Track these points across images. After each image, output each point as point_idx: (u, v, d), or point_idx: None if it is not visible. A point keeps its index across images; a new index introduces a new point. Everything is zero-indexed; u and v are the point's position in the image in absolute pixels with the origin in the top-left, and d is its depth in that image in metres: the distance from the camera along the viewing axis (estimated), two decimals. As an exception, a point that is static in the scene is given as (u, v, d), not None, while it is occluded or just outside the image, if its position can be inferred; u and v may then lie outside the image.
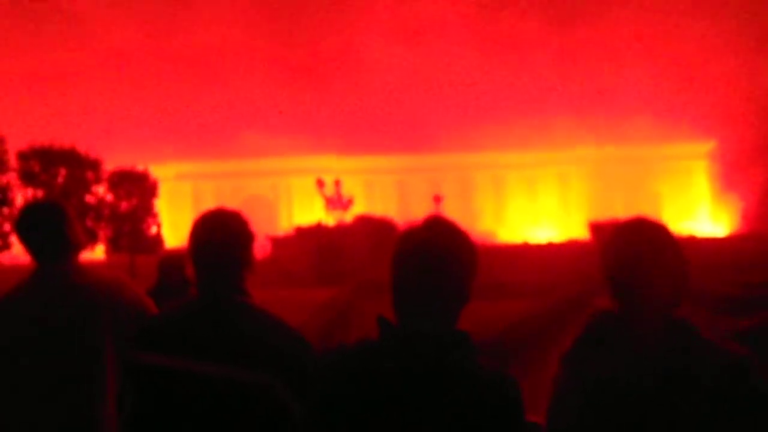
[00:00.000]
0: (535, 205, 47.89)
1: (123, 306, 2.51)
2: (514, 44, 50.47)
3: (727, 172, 41.94)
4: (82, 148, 28.79)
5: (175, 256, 5.34)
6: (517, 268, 19.68)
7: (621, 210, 41.29)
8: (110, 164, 29.22)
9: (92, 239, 26.71)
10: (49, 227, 2.56)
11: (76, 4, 48.24)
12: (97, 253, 28.36)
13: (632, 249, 1.79)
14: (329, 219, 34.35)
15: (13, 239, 21.47)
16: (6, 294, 2.58)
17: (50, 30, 47.20)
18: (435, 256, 1.66)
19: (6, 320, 2.50)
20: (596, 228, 28.91)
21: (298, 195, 46.77)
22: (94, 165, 28.32)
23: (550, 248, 28.88)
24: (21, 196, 25.37)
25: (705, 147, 46.49)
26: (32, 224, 2.60)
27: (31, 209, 2.70)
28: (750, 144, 39.74)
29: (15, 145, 26.39)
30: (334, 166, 44.78)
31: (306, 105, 52.13)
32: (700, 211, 45.54)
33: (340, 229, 31.21)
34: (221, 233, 2.14)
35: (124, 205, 29.11)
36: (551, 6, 50.21)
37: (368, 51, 52.68)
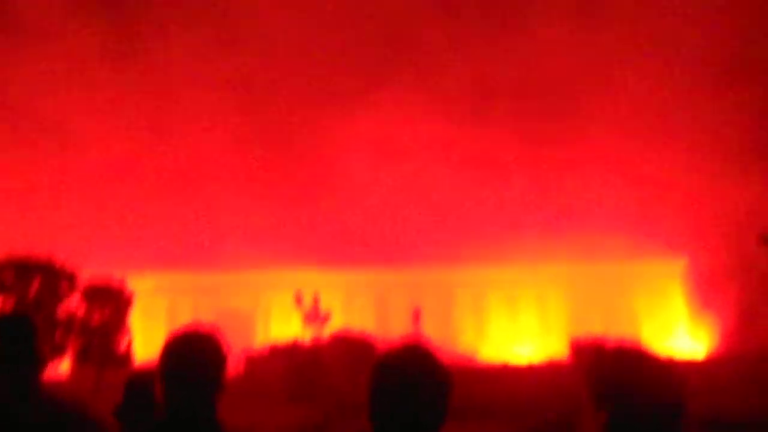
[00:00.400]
0: (515, 322, 47.81)
1: (86, 428, 2.40)
2: (493, 163, 52.29)
3: (702, 289, 42.46)
4: (60, 258, 28.77)
5: (143, 373, 5.18)
6: (498, 390, 19.34)
7: (600, 327, 41.29)
8: (87, 274, 28.97)
9: (59, 353, 25.98)
10: (15, 342, 2.49)
11: (53, 115, 49.55)
12: (63, 366, 27.44)
13: (618, 378, 1.78)
14: (306, 334, 33.87)
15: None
16: None
17: (30, 143, 48.13)
18: (410, 388, 1.72)
19: None
20: (576, 347, 28.79)
21: (276, 309, 46.30)
22: (70, 277, 28.05)
23: (530, 370, 28.60)
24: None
25: (678, 265, 47.34)
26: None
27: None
28: (722, 261, 40.58)
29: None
30: (313, 279, 44.68)
31: (287, 218, 52.69)
32: (678, 329, 45.64)
33: (316, 348, 30.80)
34: (193, 354, 2.10)
35: (96, 318, 28.57)
36: (527, 126, 52.54)
37: (350, 166, 54.05)
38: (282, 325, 41.86)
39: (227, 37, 53.29)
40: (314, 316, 34.65)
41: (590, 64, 50.41)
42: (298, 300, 35.69)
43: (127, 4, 52.59)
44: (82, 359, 27.28)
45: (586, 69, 50.59)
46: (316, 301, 35.04)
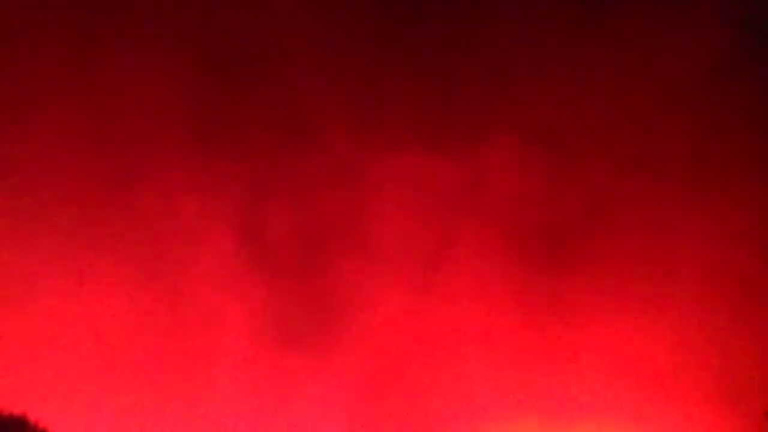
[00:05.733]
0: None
1: None
2: (494, 337, 51.73)
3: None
4: (33, 416, 27.85)
5: None
6: None
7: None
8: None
9: None
10: None
11: (41, 272, 49.95)
12: None
13: None
14: None
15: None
16: None
17: (13, 298, 48.12)
18: None
19: None
20: None
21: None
22: (43, 434, 26.93)
23: None
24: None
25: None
26: None
27: None
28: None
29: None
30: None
31: (282, 389, 51.17)
32: None
33: None
34: None
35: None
36: (527, 305, 52.62)
37: (346, 337, 53.46)
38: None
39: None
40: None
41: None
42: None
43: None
44: None
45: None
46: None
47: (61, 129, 54.08)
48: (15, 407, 29.69)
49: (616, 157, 53.27)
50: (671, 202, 51.74)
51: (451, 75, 59.45)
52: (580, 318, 47.78)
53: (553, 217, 54.23)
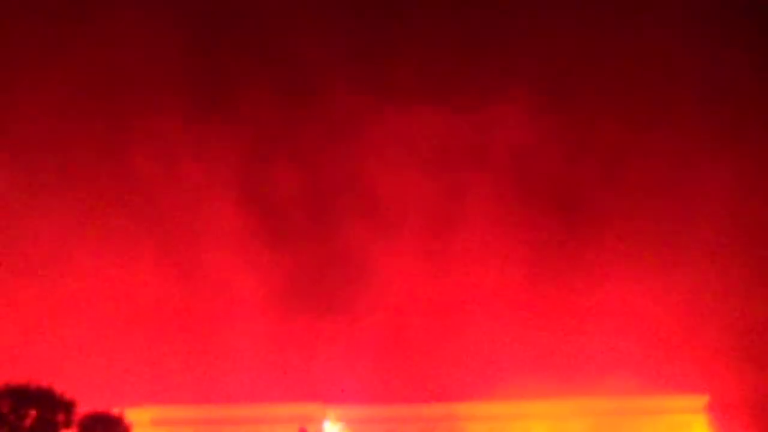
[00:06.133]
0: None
1: None
2: (507, 297, 51.71)
3: (725, 424, 40.67)
4: (60, 387, 28.06)
5: None
6: None
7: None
8: (87, 405, 28.06)
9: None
10: None
11: (64, 244, 49.81)
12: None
13: None
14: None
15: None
16: None
17: (34, 272, 48.12)
18: None
19: None
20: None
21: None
22: (68, 406, 27.12)
23: None
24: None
25: (700, 400, 45.67)
26: None
27: None
28: (743, 397, 39.07)
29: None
30: (317, 414, 43.33)
31: (291, 353, 51.58)
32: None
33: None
34: None
35: (91, 451, 27.30)
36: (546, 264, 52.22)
37: (354, 305, 53.51)
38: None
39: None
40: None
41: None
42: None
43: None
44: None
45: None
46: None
47: (58, 92, 52.73)
48: (43, 369, 29.99)
49: (631, 111, 52.41)
50: (686, 157, 51.11)
51: (460, 28, 57.91)
52: (593, 276, 47.72)
53: (566, 173, 53.58)
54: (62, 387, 27.79)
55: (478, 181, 55.59)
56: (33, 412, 25.85)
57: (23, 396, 26.35)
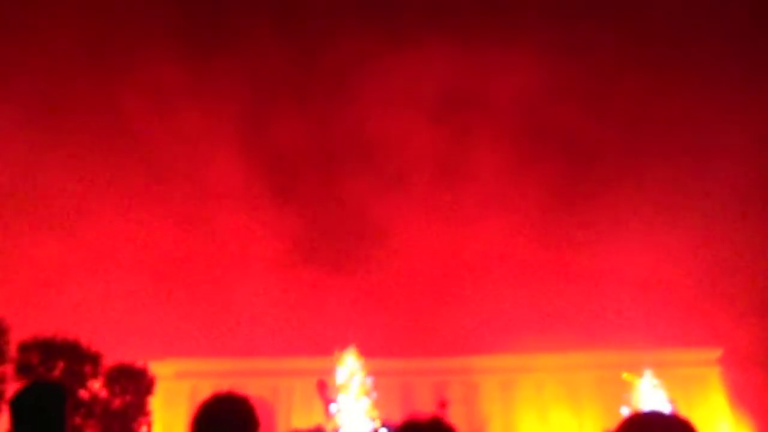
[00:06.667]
0: (543, 410, 46.08)
1: None
2: (519, 251, 51.90)
3: (740, 378, 40.96)
4: (85, 340, 28.85)
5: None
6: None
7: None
8: (111, 358, 28.93)
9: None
10: (46, 410, 2.33)
11: (86, 198, 50.56)
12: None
13: None
14: (329, 425, 32.86)
15: None
16: None
17: (59, 227, 48.99)
18: None
19: None
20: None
21: (298, 397, 45.30)
22: (94, 359, 28.05)
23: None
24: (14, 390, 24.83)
25: (714, 354, 45.86)
26: (30, 406, 2.36)
27: (32, 390, 2.47)
28: (756, 351, 39.26)
29: (19, 335, 26.44)
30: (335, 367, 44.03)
31: (309, 305, 52.41)
32: (720, 420, 43.68)
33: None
34: (228, 416, 2.01)
35: (117, 402, 28.29)
36: (556, 216, 52.37)
37: (368, 262, 53.94)
38: (304, 415, 40.83)
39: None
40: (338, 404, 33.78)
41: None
42: (321, 387, 34.86)
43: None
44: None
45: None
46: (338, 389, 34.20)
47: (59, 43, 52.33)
48: (67, 324, 30.90)
49: (654, 63, 51.20)
50: (706, 112, 50.21)
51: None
52: (607, 230, 47.59)
53: (581, 124, 52.86)
54: (87, 340, 28.70)
55: (490, 133, 55.26)
56: (61, 364, 26.86)
57: (51, 348, 27.25)
